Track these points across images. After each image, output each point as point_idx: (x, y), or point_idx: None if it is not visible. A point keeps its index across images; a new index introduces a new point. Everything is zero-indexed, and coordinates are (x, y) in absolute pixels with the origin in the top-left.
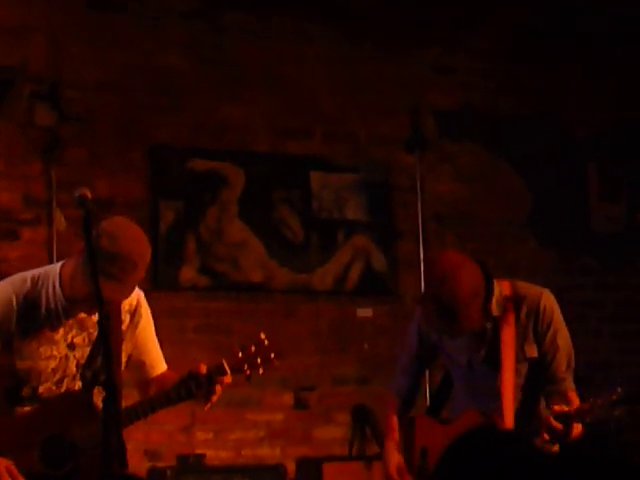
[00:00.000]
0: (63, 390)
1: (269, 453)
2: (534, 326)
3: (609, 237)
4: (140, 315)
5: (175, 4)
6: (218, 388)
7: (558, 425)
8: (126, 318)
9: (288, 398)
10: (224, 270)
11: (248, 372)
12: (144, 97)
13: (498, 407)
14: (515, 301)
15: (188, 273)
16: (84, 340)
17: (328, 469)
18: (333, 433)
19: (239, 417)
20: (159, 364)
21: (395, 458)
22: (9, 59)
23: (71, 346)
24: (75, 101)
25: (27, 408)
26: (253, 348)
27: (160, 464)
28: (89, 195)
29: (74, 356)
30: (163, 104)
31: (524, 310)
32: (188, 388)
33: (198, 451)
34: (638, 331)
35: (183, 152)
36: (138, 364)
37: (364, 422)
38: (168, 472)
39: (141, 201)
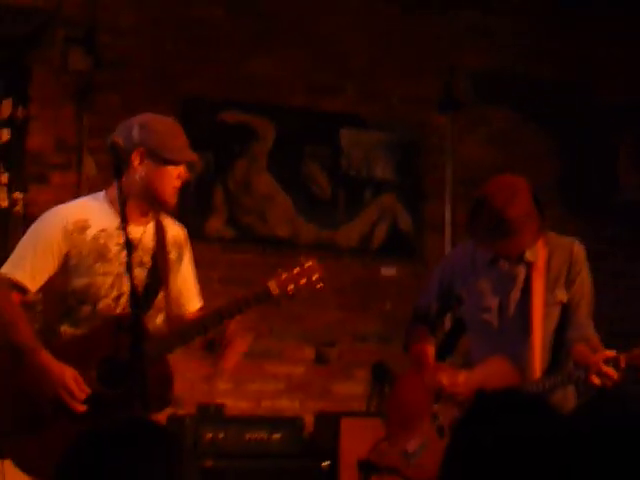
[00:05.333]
0: (121, 307)
1: (288, 405)
2: (567, 272)
3: (638, 206)
4: (185, 249)
5: None
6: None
7: (610, 370)
8: (172, 249)
9: (309, 352)
10: (251, 222)
11: (292, 292)
12: (178, 46)
13: (526, 352)
14: (548, 247)
15: (215, 224)
16: (136, 261)
17: (346, 424)
18: (352, 389)
19: (259, 369)
20: (196, 300)
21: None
22: (44, 2)
23: (123, 265)
24: (110, 47)
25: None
26: (297, 270)
27: (180, 412)
28: (121, 142)
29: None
30: (197, 54)
31: (556, 256)
32: (259, 298)
33: (218, 401)
34: None
35: (215, 103)
36: (177, 295)
37: (383, 379)
38: (187, 420)
39: None
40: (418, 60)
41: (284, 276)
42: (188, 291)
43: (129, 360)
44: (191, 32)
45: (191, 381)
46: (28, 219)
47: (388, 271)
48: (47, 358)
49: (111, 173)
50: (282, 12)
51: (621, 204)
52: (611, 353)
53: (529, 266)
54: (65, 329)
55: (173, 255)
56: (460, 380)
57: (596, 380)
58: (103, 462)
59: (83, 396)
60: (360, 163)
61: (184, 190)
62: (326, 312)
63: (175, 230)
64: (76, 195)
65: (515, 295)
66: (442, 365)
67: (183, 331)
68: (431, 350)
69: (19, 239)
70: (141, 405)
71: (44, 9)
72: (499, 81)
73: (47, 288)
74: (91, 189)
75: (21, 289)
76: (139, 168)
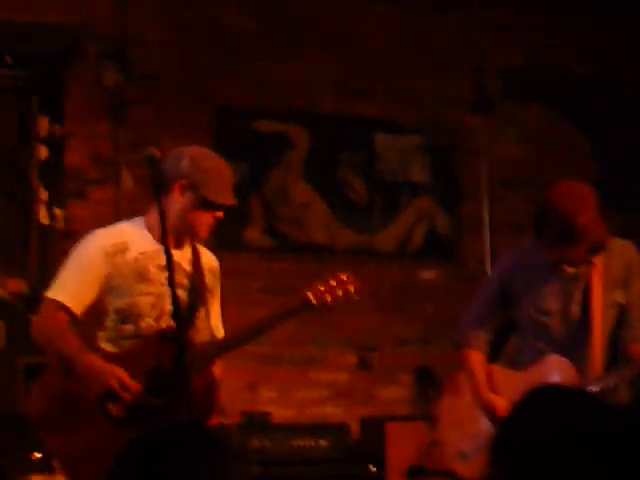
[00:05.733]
0: (163, 326)
1: (333, 412)
2: (625, 274)
3: None
4: (218, 277)
5: None
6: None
7: None
8: (208, 275)
9: (351, 358)
10: (288, 231)
11: (330, 303)
12: (209, 57)
13: (586, 353)
14: (606, 250)
15: (253, 234)
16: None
17: (391, 428)
18: (396, 393)
19: (303, 376)
20: (219, 330)
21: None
22: (75, 18)
23: (164, 286)
24: (141, 60)
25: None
26: (333, 282)
27: (225, 421)
28: (157, 154)
29: (169, 295)
30: (228, 64)
31: (615, 258)
32: (299, 309)
33: (262, 409)
34: None
35: (248, 113)
36: (215, 318)
37: (426, 383)
38: (233, 429)
39: None
40: (449, 61)
41: (322, 288)
42: (217, 319)
43: (173, 370)
44: (221, 42)
45: (235, 390)
46: (69, 235)
47: (427, 274)
48: (96, 359)
49: (148, 188)
50: (311, 18)
51: None
52: None
53: (590, 269)
54: (105, 347)
55: (209, 280)
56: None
57: None
58: (153, 465)
59: (136, 388)
60: (395, 167)
61: None
62: (366, 317)
63: (209, 258)
64: (115, 209)
65: (577, 297)
66: (498, 370)
67: (225, 343)
68: (483, 360)
69: (60, 255)
70: (186, 413)
71: (76, 26)
72: (531, 79)
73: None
74: (130, 203)
75: (67, 312)
76: (180, 199)
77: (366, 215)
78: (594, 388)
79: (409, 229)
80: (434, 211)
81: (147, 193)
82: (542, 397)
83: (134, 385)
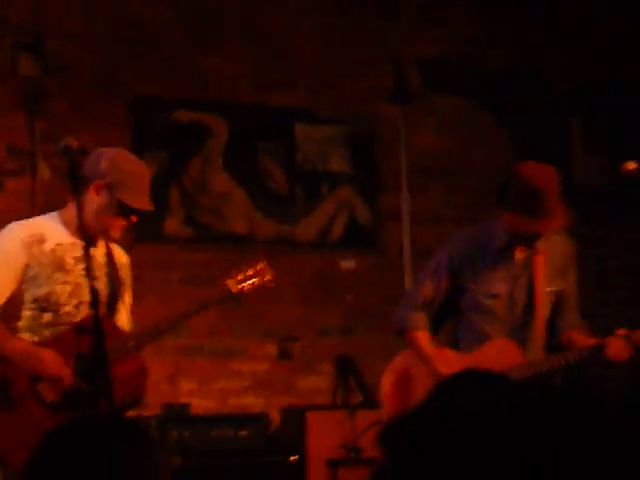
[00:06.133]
0: (82, 314)
1: (253, 402)
2: (564, 262)
3: (592, 190)
4: (129, 274)
5: None
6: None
7: (628, 346)
8: (121, 270)
9: (272, 348)
10: (208, 221)
11: (248, 291)
12: (127, 48)
13: (530, 336)
14: (548, 237)
15: (172, 224)
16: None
17: (312, 418)
18: (317, 383)
19: (223, 367)
20: (129, 325)
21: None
22: None
23: (81, 276)
24: (58, 52)
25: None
26: (250, 271)
27: (145, 413)
28: (74, 144)
29: (86, 285)
30: (146, 55)
31: (555, 246)
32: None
33: (183, 400)
34: (621, 285)
35: (166, 103)
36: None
37: (347, 372)
38: (153, 421)
39: None
40: (368, 52)
41: (239, 276)
42: (127, 313)
43: (93, 358)
44: (139, 33)
45: (154, 382)
46: None
47: (348, 264)
48: (26, 342)
49: (65, 180)
50: (229, 9)
51: (574, 189)
52: (624, 331)
53: (535, 255)
54: (25, 336)
55: (122, 274)
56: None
57: (618, 355)
58: (71, 457)
59: (68, 372)
60: (315, 157)
61: None
62: (287, 307)
63: (120, 254)
64: (31, 201)
65: (523, 282)
66: (445, 352)
67: (150, 331)
68: (431, 340)
69: None
70: (107, 402)
71: None
72: (449, 70)
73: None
74: (46, 194)
75: None
76: (96, 198)
77: (287, 205)
78: (531, 372)
79: (330, 219)
80: (354, 201)
81: (64, 185)
82: (450, 385)
83: (66, 369)
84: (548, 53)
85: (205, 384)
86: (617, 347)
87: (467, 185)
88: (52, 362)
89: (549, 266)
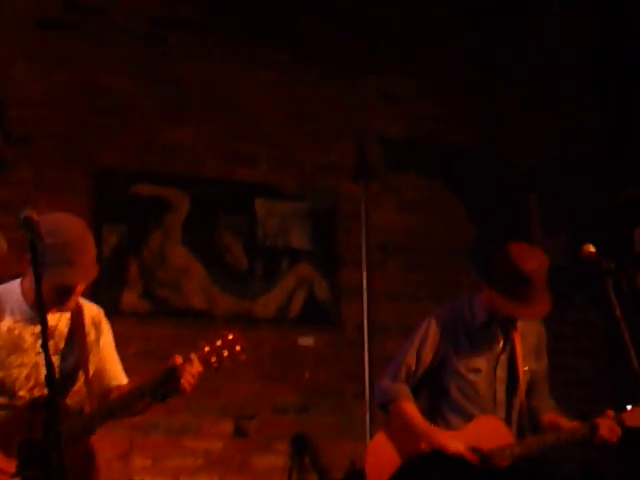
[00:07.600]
0: (36, 395)
1: None
2: (537, 344)
3: (550, 270)
4: (103, 329)
5: (121, 24)
6: (189, 378)
7: (616, 427)
8: (91, 331)
9: (227, 426)
10: (166, 295)
11: (215, 364)
12: (90, 118)
13: (512, 413)
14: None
15: (130, 298)
16: (51, 349)
17: None
18: (272, 462)
19: (177, 444)
20: (120, 376)
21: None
22: None
23: (40, 354)
24: (20, 121)
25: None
26: (219, 342)
27: None
28: (34, 216)
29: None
30: (109, 126)
31: (529, 328)
32: (166, 377)
33: (136, 478)
34: (573, 366)
35: (128, 175)
36: (100, 374)
37: (303, 451)
38: None
39: None
40: (331, 128)
41: (206, 349)
42: (111, 369)
43: (44, 439)
44: (102, 103)
45: (107, 460)
46: None
47: (306, 341)
48: None
49: (24, 250)
50: (194, 81)
51: None
52: (613, 413)
53: (514, 334)
54: None
55: (92, 336)
56: (460, 446)
57: (607, 436)
58: None
59: (10, 466)
60: (276, 232)
61: (98, 263)
62: (244, 384)
63: (93, 311)
64: None
65: (503, 359)
66: (435, 428)
67: (105, 410)
68: (418, 411)
69: None
70: None
71: None
72: (410, 147)
73: None
74: (3, 266)
75: None
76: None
77: (246, 280)
78: (519, 450)
79: (289, 295)
80: (314, 277)
81: (23, 257)
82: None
83: (8, 464)
84: (507, 132)
85: (159, 461)
86: (608, 428)
87: (427, 262)
88: None
89: (523, 345)
